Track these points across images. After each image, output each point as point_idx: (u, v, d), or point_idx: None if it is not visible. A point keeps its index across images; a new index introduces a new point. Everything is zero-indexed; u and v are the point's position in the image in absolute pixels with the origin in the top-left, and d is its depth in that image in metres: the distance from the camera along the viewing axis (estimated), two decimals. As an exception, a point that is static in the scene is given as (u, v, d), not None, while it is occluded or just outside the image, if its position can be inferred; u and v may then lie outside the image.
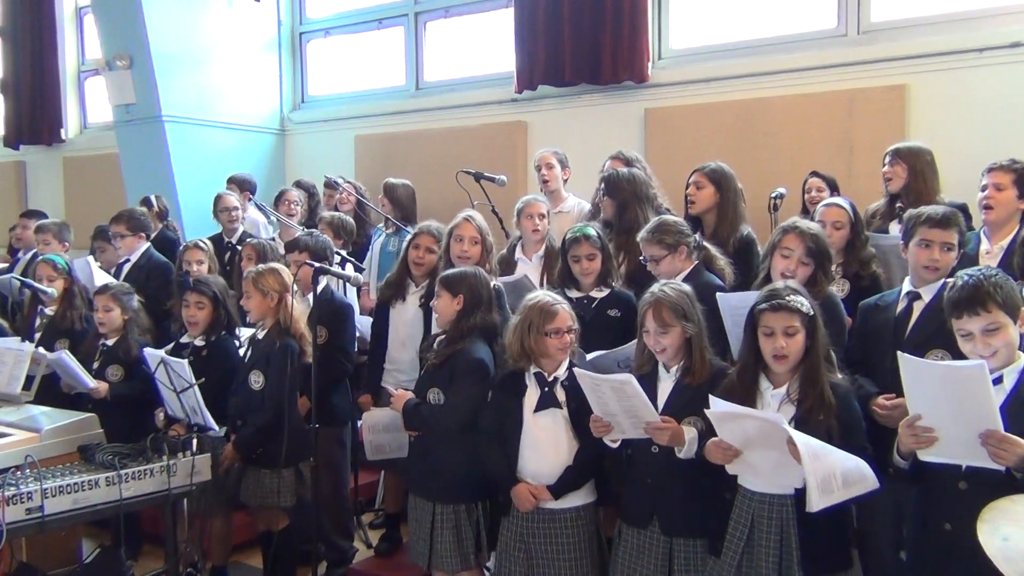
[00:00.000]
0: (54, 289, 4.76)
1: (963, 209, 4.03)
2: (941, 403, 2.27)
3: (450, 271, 3.58)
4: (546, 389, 3.15)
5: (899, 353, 2.35)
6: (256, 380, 3.89)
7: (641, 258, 3.66)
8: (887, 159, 4.17)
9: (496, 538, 3.43)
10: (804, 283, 3.15)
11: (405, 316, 4.26)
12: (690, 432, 2.81)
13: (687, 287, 3.08)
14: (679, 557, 2.89)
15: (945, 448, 2.31)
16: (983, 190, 3.56)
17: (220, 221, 6.14)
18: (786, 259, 3.25)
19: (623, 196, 4.13)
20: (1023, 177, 3.49)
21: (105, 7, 7.43)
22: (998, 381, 2.36)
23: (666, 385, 2.95)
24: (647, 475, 2.96)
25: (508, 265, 4.38)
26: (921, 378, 2.31)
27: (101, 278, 5.19)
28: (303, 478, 3.91)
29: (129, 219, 5.58)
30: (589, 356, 3.23)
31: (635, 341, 3.10)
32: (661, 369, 2.99)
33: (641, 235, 3.64)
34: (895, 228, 3.92)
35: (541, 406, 3.14)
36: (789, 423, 2.57)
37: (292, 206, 6.01)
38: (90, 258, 5.63)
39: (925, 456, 2.35)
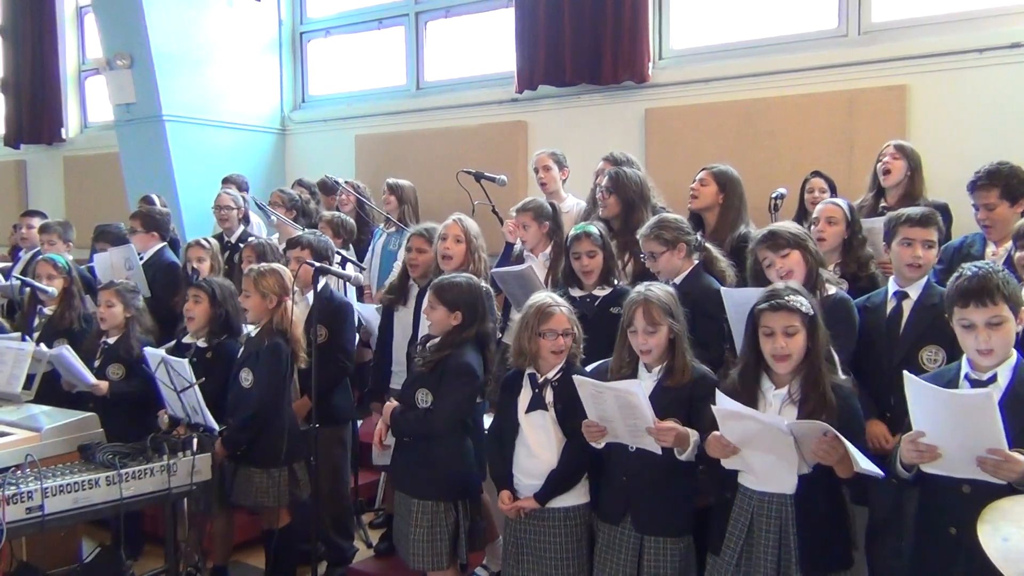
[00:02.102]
0: (54, 288, 4.75)
1: (943, 209, 4.05)
2: (946, 425, 2.27)
3: (442, 279, 3.50)
4: (536, 390, 3.16)
5: (904, 374, 2.35)
6: (246, 378, 3.88)
7: (640, 255, 3.67)
8: (889, 150, 4.24)
9: (480, 539, 3.47)
10: (803, 279, 3.15)
11: (408, 319, 4.27)
12: (695, 435, 2.81)
13: (671, 288, 3.11)
14: (648, 554, 2.92)
15: (948, 463, 2.31)
16: (976, 209, 3.57)
17: (217, 219, 6.16)
18: (770, 268, 3.25)
19: (630, 196, 4.14)
20: (1007, 187, 3.47)
21: (106, 6, 7.43)
22: (992, 379, 2.37)
23: (646, 385, 2.94)
24: (622, 473, 2.98)
25: (518, 262, 4.38)
26: (926, 400, 2.31)
27: (114, 274, 5.16)
28: (297, 478, 3.90)
29: (144, 216, 5.59)
30: (589, 368, 3.20)
31: None
32: (641, 369, 2.99)
33: (641, 231, 3.65)
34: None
35: (531, 407, 3.16)
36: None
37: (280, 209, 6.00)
38: (110, 252, 5.60)
39: (928, 469, 2.36)
